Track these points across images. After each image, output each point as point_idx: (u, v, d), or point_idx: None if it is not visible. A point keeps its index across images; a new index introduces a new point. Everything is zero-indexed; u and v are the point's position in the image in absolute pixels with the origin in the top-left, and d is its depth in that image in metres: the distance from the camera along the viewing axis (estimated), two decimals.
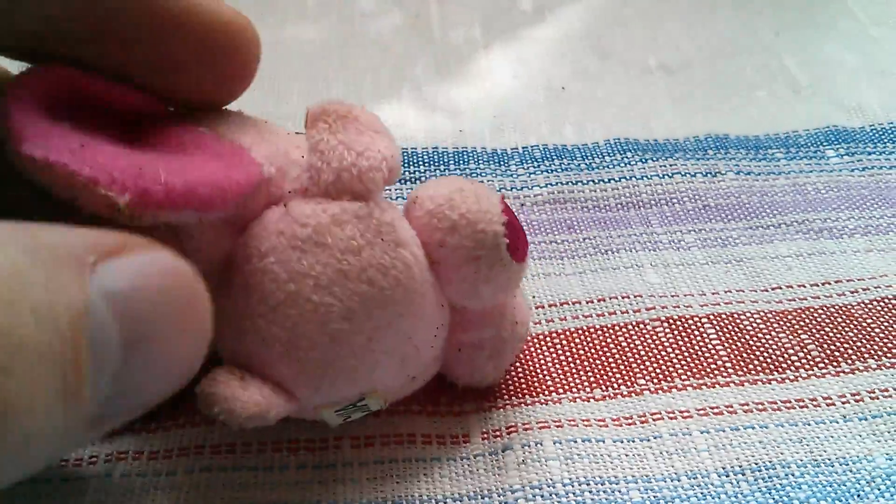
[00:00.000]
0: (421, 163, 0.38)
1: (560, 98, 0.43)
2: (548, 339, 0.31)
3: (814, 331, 0.31)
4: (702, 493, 0.26)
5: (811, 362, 0.30)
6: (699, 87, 0.44)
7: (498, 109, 0.41)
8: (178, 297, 0.17)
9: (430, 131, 0.40)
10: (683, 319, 0.31)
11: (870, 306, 0.31)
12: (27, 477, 0.16)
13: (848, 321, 0.31)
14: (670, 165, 0.38)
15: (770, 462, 0.26)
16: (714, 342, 0.30)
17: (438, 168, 0.38)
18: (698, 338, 0.30)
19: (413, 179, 0.37)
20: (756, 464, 0.26)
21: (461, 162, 0.38)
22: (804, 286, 0.32)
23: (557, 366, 0.30)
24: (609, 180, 0.37)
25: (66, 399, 0.15)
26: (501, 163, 0.38)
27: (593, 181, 0.37)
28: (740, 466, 0.26)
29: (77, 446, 0.19)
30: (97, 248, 0.16)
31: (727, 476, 0.26)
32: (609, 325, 0.31)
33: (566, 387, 0.29)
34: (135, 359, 0.16)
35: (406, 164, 0.38)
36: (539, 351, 0.30)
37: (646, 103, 0.42)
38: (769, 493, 0.26)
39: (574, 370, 0.29)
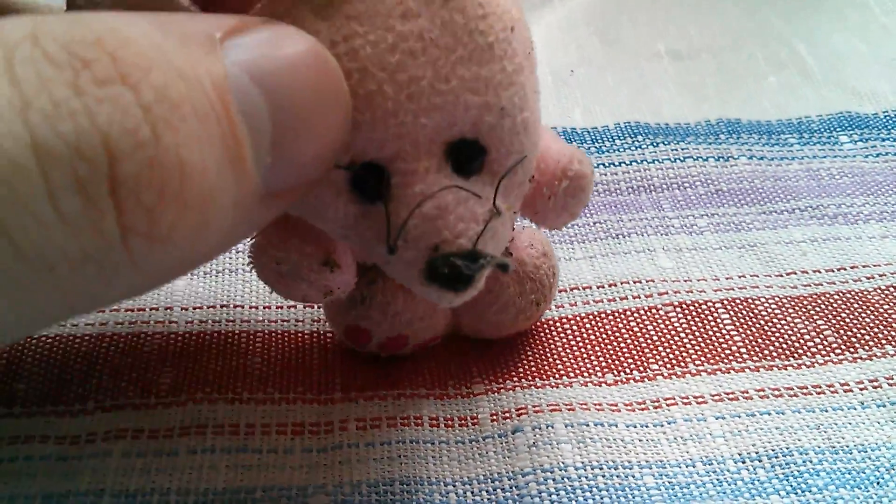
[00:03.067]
0: None
1: (568, 83, 0.42)
2: (558, 324, 0.30)
3: (830, 316, 0.30)
4: (717, 480, 0.25)
5: (828, 348, 0.29)
6: (709, 73, 0.43)
7: None
8: (313, 64, 0.17)
9: None
10: (697, 304, 0.30)
11: (886, 292, 0.31)
12: (208, 261, 0.18)
13: (865, 307, 0.30)
14: (682, 149, 0.37)
15: (787, 448, 0.26)
16: (728, 327, 0.30)
17: None
18: (712, 323, 0.30)
19: None
20: (773, 450, 0.26)
21: None
22: (819, 272, 0.32)
23: (568, 350, 0.29)
24: (620, 164, 0.36)
25: (233, 164, 0.16)
26: None
27: (603, 164, 0.36)
28: (757, 453, 0.26)
29: (252, 228, 0.19)
30: (222, 27, 0.16)
31: (743, 462, 0.25)
32: (621, 311, 0.30)
33: (578, 371, 0.28)
34: (285, 125, 0.16)
35: None
36: (549, 336, 0.29)
37: (655, 89, 0.42)
38: (786, 480, 0.25)
39: (585, 355, 0.29)
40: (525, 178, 0.23)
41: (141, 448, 0.25)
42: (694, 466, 0.25)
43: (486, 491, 0.25)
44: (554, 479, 0.25)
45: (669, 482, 0.25)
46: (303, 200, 0.20)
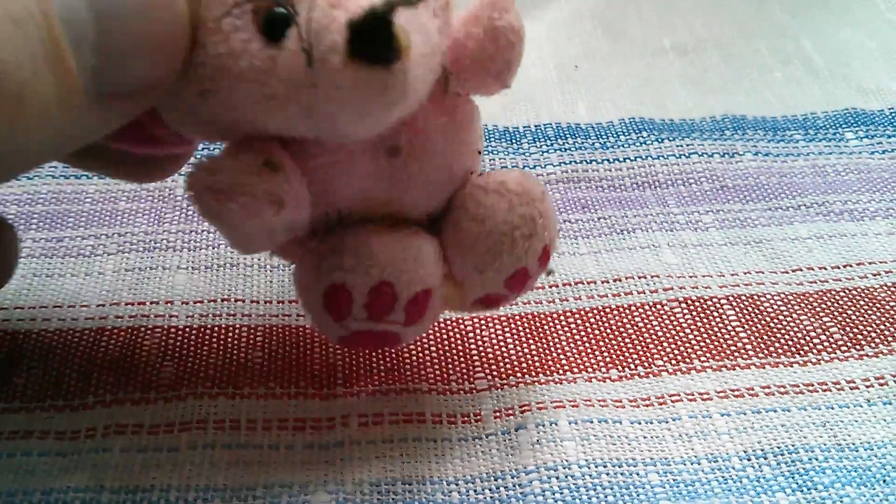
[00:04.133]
0: None
1: (572, 77, 0.42)
2: (562, 317, 0.30)
3: (836, 313, 0.30)
4: (723, 477, 0.25)
5: (834, 345, 0.29)
6: (714, 68, 0.43)
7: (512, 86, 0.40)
8: None
9: None
10: (702, 300, 0.30)
11: (893, 289, 0.31)
12: (46, 159, 0.20)
13: (871, 304, 0.30)
14: (687, 145, 0.37)
15: (793, 446, 0.26)
16: (734, 324, 0.29)
17: None
18: (717, 319, 0.29)
19: None
20: (778, 447, 0.26)
21: None
22: (825, 268, 0.32)
23: (572, 345, 0.29)
24: (624, 159, 0.36)
25: (52, 64, 0.17)
26: (513, 140, 0.37)
27: (608, 160, 0.36)
28: (762, 450, 0.25)
29: (92, 130, 0.20)
30: None
31: (749, 460, 0.25)
32: (625, 305, 0.30)
33: (581, 366, 0.28)
34: (109, 31, 0.18)
35: None
36: (553, 330, 0.29)
37: (660, 84, 0.41)
38: (792, 478, 0.25)
39: (589, 350, 0.29)
40: None
41: (141, 443, 0.25)
42: (699, 464, 0.25)
43: (490, 489, 0.25)
44: (558, 477, 0.24)
45: (674, 479, 0.25)
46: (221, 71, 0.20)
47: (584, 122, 0.38)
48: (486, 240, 0.24)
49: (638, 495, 0.24)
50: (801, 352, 0.28)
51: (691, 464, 0.25)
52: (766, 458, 0.25)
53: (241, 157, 0.21)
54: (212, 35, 0.20)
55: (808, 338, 0.29)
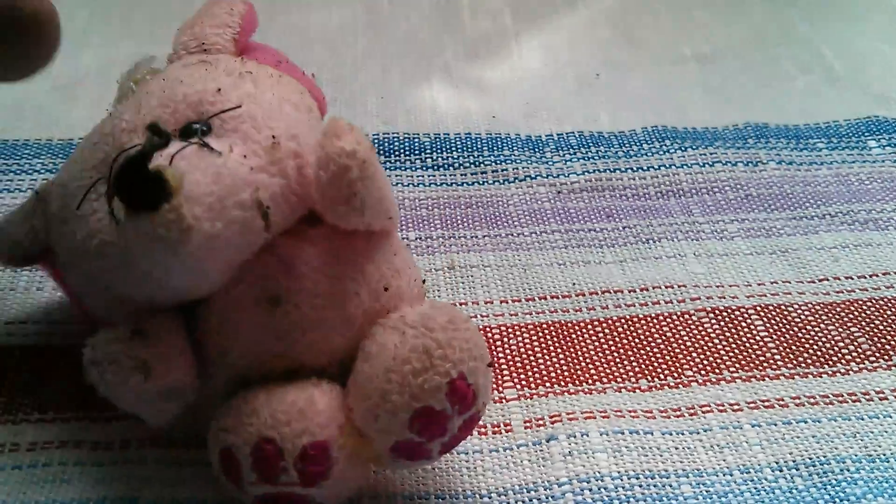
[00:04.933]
0: (454, 149, 0.37)
1: (593, 86, 0.42)
2: (589, 327, 0.30)
3: (864, 323, 0.30)
4: (755, 489, 0.25)
5: (862, 355, 0.29)
6: (734, 76, 0.43)
7: (530, 96, 0.41)
8: None
9: (461, 117, 0.39)
10: (729, 310, 0.30)
11: None
12: None
13: None
14: (710, 154, 0.37)
15: (824, 457, 0.26)
16: (762, 334, 0.29)
17: (472, 154, 0.37)
18: (745, 329, 0.30)
19: (447, 165, 0.36)
20: (810, 458, 0.26)
21: (495, 148, 0.37)
22: (852, 278, 0.32)
23: (600, 354, 0.29)
24: (648, 168, 0.36)
25: None
26: (536, 149, 0.37)
27: (631, 169, 0.36)
28: (794, 461, 0.25)
29: None
30: None
31: (780, 471, 0.25)
32: (653, 315, 0.30)
33: (610, 376, 0.28)
34: None
35: (439, 150, 0.37)
36: (581, 339, 0.29)
37: (680, 92, 0.41)
38: (824, 489, 0.25)
39: (618, 359, 0.29)
40: (259, 131, 0.22)
41: (175, 457, 0.25)
42: (731, 475, 0.25)
43: (522, 501, 0.24)
44: (591, 490, 0.25)
45: (707, 491, 0.25)
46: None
47: (606, 131, 0.38)
48: (374, 380, 0.21)
49: None
50: (830, 362, 0.28)
51: (724, 475, 0.25)
52: (797, 470, 0.25)
53: (114, 328, 0.22)
54: (77, 222, 0.23)
55: (836, 348, 0.29)
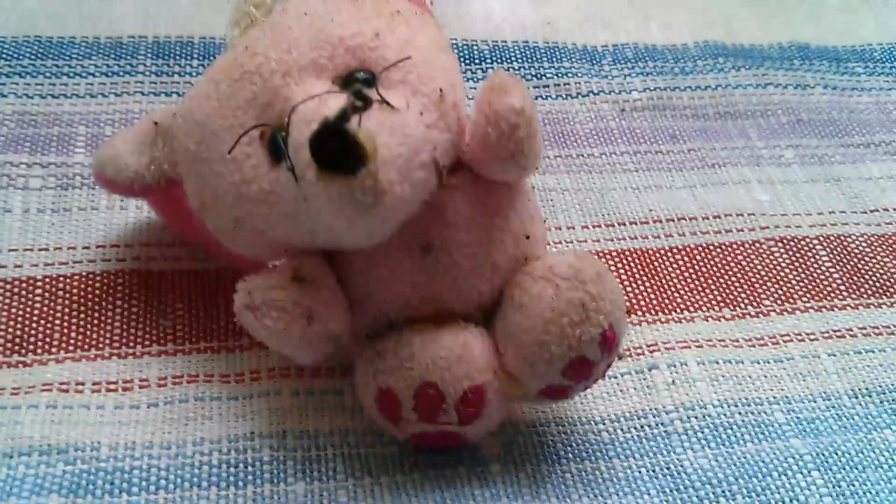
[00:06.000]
0: (514, 58, 0.36)
1: None
2: (669, 254, 0.31)
3: None
4: (837, 415, 0.27)
5: None
6: None
7: (582, 2, 0.40)
8: None
9: (516, 24, 0.38)
10: (797, 240, 0.32)
11: None
12: None
13: None
14: (762, 75, 0.38)
15: (892, 385, 0.28)
16: (827, 265, 0.31)
17: (532, 65, 0.36)
18: (812, 259, 0.31)
19: None
20: (881, 386, 0.28)
21: (554, 59, 0.37)
22: None
23: (683, 283, 0.30)
24: (706, 87, 0.37)
25: None
26: (595, 62, 0.37)
27: (690, 88, 0.37)
28: (867, 389, 0.28)
29: None
30: None
31: (857, 398, 0.28)
32: (727, 243, 0.32)
33: (696, 305, 0.30)
34: None
35: (498, 60, 0.36)
36: (663, 266, 0.31)
37: (724, 5, 0.41)
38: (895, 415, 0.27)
39: (700, 288, 0.30)
40: (425, 83, 0.22)
41: (308, 386, 0.25)
42: (815, 402, 0.27)
43: (634, 428, 0.26)
44: (696, 417, 0.26)
45: (797, 417, 0.27)
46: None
47: (660, 45, 0.38)
48: (532, 331, 0.22)
49: (769, 434, 0.26)
50: (888, 293, 0.31)
51: (809, 402, 0.27)
52: (870, 396, 0.28)
53: (272, 273, 0.22)
54: (226, 165, 0.22)
55: (893, 279, 0.31)
